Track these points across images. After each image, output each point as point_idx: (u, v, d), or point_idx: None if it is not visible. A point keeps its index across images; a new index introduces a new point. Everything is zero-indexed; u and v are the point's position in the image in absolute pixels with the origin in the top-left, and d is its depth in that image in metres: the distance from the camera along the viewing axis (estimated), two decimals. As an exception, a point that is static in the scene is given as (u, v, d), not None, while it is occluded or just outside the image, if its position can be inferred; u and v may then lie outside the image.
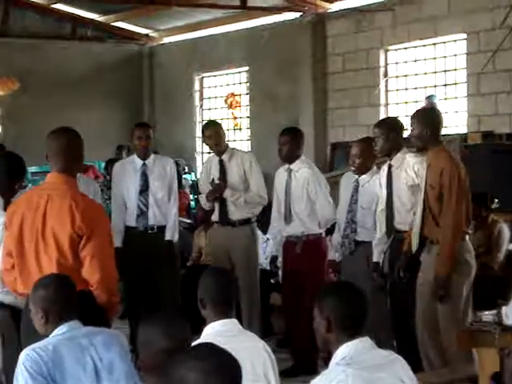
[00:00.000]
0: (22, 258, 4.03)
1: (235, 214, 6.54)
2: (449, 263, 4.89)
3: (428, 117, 5.20)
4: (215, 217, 6.65)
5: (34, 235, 3.98)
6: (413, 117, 5.26)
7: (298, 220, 6.26)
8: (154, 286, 6.50)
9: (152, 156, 6.65)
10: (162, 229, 6.56)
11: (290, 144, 6.29)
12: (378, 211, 5.73)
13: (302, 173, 6.28)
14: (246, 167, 6.56)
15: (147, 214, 6.52)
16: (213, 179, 6.55)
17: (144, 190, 6.55)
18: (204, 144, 14.17)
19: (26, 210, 4.04)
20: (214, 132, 6.61)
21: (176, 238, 6.63)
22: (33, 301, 3.38)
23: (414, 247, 5.12)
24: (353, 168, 6.01)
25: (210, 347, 2.03)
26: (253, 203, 6.56)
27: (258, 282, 6.70)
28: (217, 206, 6.60)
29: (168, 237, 6.55)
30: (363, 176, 5.95)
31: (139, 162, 6.59)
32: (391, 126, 5.71)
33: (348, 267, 5.93)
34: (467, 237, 5.09)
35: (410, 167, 5.50)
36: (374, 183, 5.89)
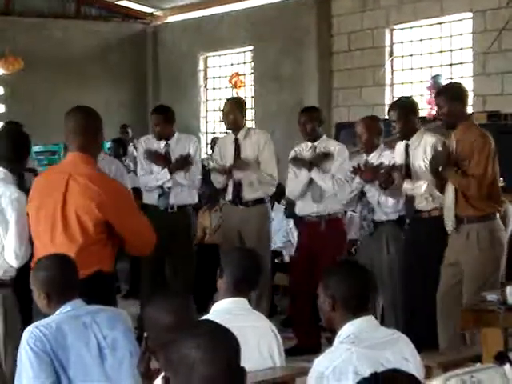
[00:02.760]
0: (39, 238, 4.03)
1: (249, 193, 6.53)
2: (445, 179, 4.95)
3: (456, 91, 5.12)
4: (228, 196, 6.64)
5: (51, 214, 3.95)
6: (440, 94, 5.15)
7: (331, 196, 6.21)
8: (168, 265, 6.53)
9: (176, 135, 6.68)
10: (181, 208, 6.58)
11: (315, 122, 6.27)
12: None
13: (334, 149, 6.24)
14: (260, 148, 6.54)
15: (169, 193, 6.54)
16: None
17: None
18: (208, 124, 14.34)
19: (44, 191, 4.02)
20: (229, 108, 6.61)
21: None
22: (34, 282, 3.37)
23: (449, 228, 5.05)
24: (360, 145, 5.95)
25: (208, 324, 2.03)
26: (264, 183, 6.53)
27: (269, 263, 6.70)
28: (230, 185, 6.59)
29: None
30: (372, 154, 5.90)
31: (162, 141, 6.64)
32: (408, 107, 5.60)
33: (367, 249, 5.89)
34: (498, 215, 5.05)
35: (428, 147, 5.42)
36: (383, 160, 5.83)
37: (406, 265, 5.53)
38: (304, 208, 6.35)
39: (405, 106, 5.63)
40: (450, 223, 5.04)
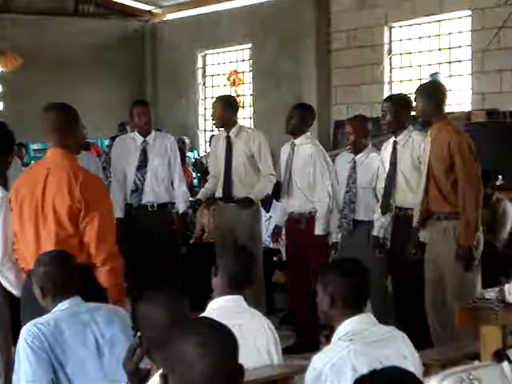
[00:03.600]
0: (23, 234, 4.04)
1: (240, 191, 6.53)
2: (476, 234, 4.89)
3: (431, 90, 5.15)
4: (219, 194, 6.64)
5: (34, 210, 3.99)
6: (416, 91, 5.23)
7: (300, 195, 6.25)
8: (154, 263, 6.51)
9: (153, 133, 6.64)
10: (163, 206, 6.56)
11: (297, 118, 6.29)
12: (380, 188, 5.72)
13: (305, 149, 6.28)
14: (255, 148, 6.54)
15: (143, 190, 6.50)
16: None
17: (142, 166, 6.54)
18: (207, 121, 14.34)
19: (26, 186, 4.06)
20: (217, 106, 6.62)
21: (187, 210, 6.72)
22: (34, 277, 3.39)
23: (415, 223, 5.10)
24: (348, 146, 6.01)
25: (206, 321, 2.04)
26: (268, 184, 6.56)
27: (261, 260, 6.70)
28: (221, 182, 6.60)
29: (180, 210, 6.61)
30: (359, 155, 5.94)
31: (140, 138, 6.59)
32: (400, 102, 5.64)
33: (348, 247, 5.91)
34: None
35: (417, 146, 5.44)
36: (371, 161, 5.88)
37: (391, 263, 5.56)
38: (288, 205, 6.38)
39: (399, 100, 5.71)
40: (415, 218, 5.09)
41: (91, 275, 3.91)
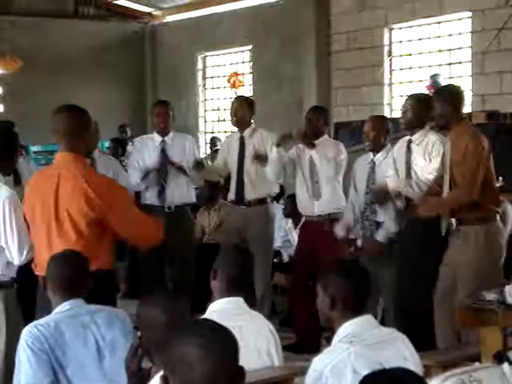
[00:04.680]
0: (37, 240, 4.01)
1: (251, 193, 6.53)
2: (436, 210, 4.96)
3: (450, 94, 5.12)
4: (231, 196, 6.65)
5: (46, 216, 3.94)
6: (434, 95, 5.20)
7: (326, 197, 6.21)
8: (169, 264, 6.54)
9: (171, 133, 6.67)
10: (179, 207, 6.56)
11: (316, 120, 6.26)
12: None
13: (334, 151, 6.24)
14: (268, 149, 6.53)
15: (166, 191, 6.52)
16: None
17: (164, 167, 6.56)
18: (207, 123, 14.33)
19: (36, 191, 4.02)
20: (238, 105, 6.65)
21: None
22: (46, 277, 3.42)
23: (444, 229, 5.05)
24: (367, 143, 5.92)
25: (206, 323, 2.03)
26: (271, 180, 6.53)
27: (271, 263, 6.68)
28: (233, 184, 6.60)
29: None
30: (378, 155, 5.87)
31: (158, 138, 6.63)
32: (422, 101, 5.57)
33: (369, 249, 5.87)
34: (498, 217, 5.04)
35: (430, 146, 5.39)
36: (390, 161, 5.83)
37: (402, 266, 5.53)
38: (305, 207, 6.33)
39: (421, 98, 5.63)
40: (444, 224, 5.04)
41: (104, 280, 3.87)
